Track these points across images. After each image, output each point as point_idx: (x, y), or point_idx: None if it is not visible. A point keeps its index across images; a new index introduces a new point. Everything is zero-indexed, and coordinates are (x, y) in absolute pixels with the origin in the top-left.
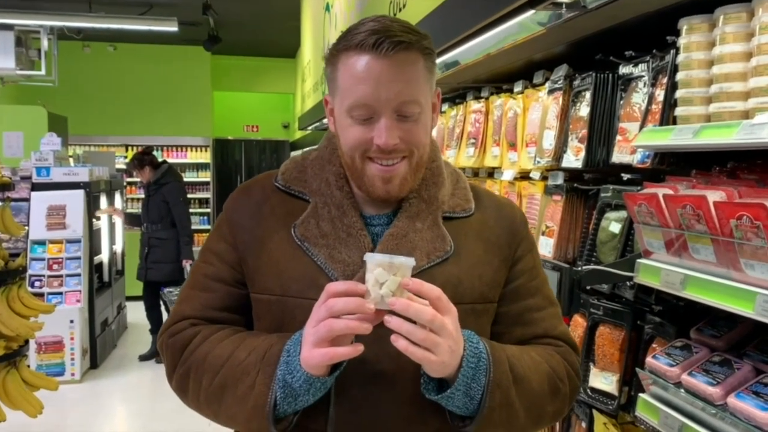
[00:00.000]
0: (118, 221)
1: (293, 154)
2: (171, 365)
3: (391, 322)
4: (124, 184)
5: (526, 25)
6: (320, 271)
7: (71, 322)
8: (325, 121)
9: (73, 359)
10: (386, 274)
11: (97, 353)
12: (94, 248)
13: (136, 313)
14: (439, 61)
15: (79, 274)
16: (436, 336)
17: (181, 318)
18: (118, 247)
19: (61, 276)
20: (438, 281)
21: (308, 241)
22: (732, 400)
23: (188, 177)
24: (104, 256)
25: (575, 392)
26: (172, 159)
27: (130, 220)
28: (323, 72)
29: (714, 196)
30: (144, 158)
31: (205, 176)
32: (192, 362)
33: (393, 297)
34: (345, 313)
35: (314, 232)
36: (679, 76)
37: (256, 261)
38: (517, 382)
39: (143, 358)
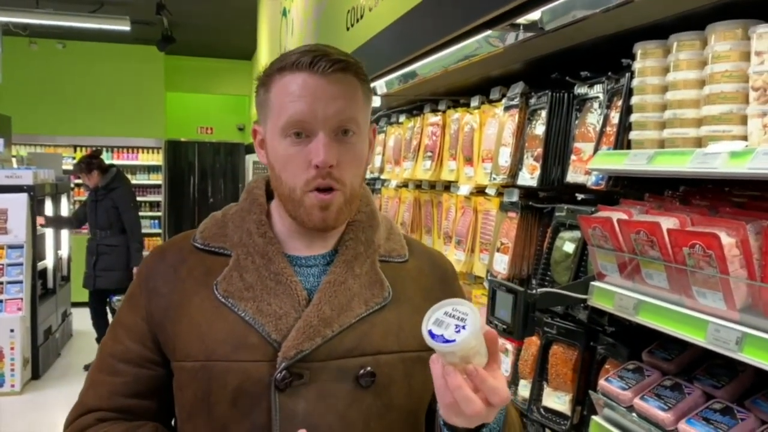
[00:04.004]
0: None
1: (251, 172)
2: None
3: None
4: (72, 186)
5: (484, 43)
6: (249, 328)
7: (11, 331)
8: None
9: (13, 370)
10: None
11: (40, 363)
12: (38, 253)
13: (83, 320)
14: (397, 73)
15: (20, 281)
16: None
17: (87, 410)
18: (64, 252)
19: (1, 283)
20: (378, 328)
21: (232, 297)
22: (683, 426)
23: (139, 179)
24: (49, 262)
25: None
26: (123, 161)
27: (58, 222)
28: (255, 101)
29: (667, 223)
30: (92, 162)
31: (157, 179)
32: None
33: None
34: None
35: (238, 285)
36: (634, 100)
37: (174, 327)
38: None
39: (89, 367)
